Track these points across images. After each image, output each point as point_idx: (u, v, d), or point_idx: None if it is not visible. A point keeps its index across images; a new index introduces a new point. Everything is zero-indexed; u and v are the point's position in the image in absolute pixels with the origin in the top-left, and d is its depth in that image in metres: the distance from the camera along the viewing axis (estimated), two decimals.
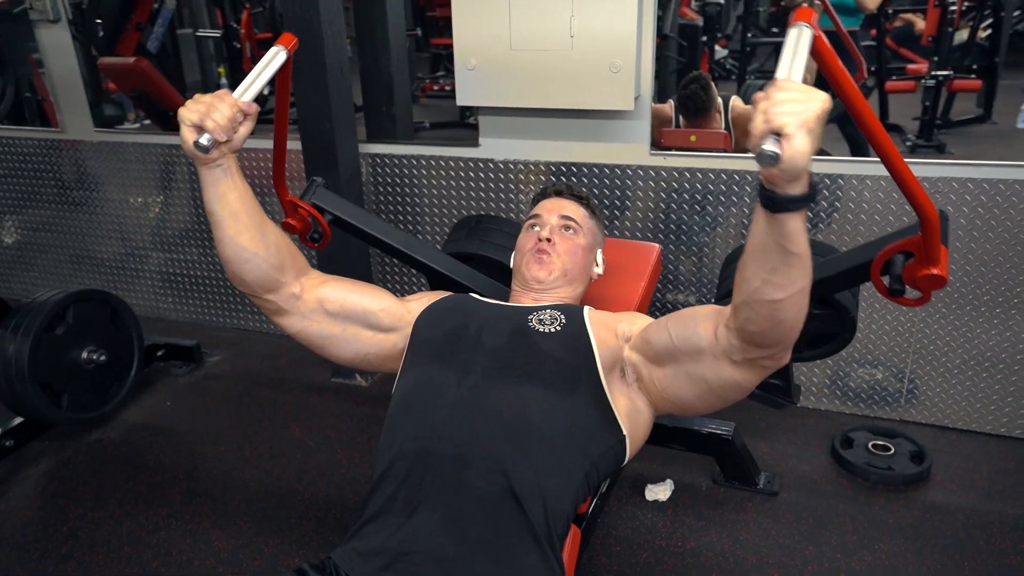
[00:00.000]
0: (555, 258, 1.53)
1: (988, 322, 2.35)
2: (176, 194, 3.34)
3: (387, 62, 2.90)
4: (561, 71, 2.35)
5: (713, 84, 3.28)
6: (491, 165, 2.71)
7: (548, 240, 1.54)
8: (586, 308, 1.41)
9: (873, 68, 6.29)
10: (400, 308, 1.49)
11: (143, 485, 2.37)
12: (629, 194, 2.57)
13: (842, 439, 2.39)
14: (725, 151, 3.05)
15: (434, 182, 2.82)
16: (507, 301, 1.57)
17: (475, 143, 2.70)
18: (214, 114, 1.17)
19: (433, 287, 2.24)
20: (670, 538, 2.07)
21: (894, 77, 6.00)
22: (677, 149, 2.79)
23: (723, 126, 3.39)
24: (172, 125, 3.58)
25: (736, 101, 3.45)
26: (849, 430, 2.44)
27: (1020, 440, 2.42)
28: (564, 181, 1.76)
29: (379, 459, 1.30)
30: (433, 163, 2.79)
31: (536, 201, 1.71)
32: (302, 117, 2.62)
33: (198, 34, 5.29)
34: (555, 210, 1.61)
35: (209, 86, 8.38)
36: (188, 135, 1.18)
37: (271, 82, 1.32)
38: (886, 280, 1.32)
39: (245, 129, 1.23)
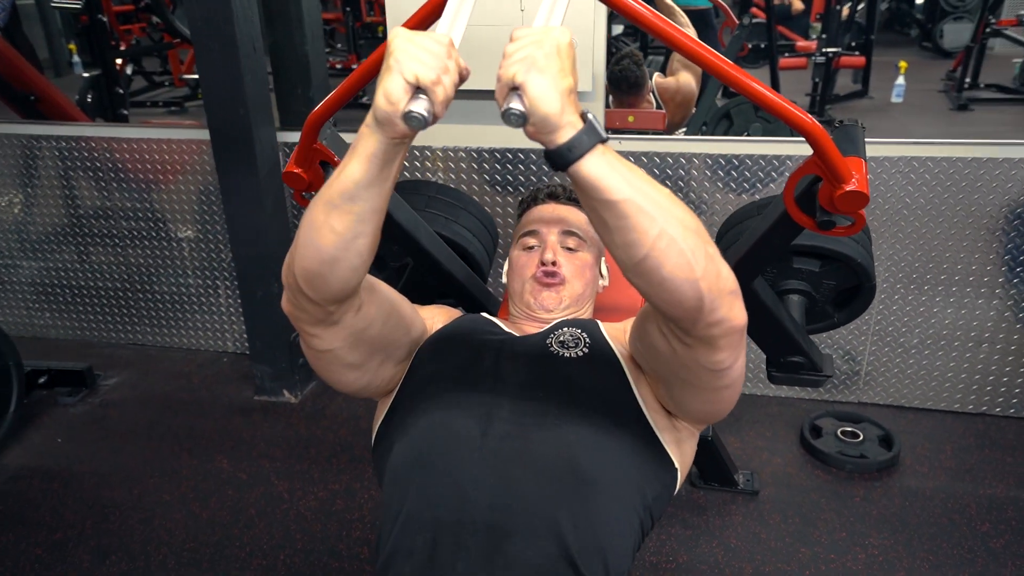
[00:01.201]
0: (563, 285, 1.34)
1: (944, 301, 2.35)
2: (43, 191, 2.87)
3: (301, 38, 2.56)
4: None
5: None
6: (428, 153, 2.45)
7: (553, 263, 1.34)
8: (600, 324, 1.22)
9: (763, 44, 6.40)
10: (423, 334, 1.24)
11: (41, 547, 2.00)
12: None
13: (810, 428, 2.34)
14: (663, 131, 2.95)
15: None
16: (497, 316, 1.36)
17: None
18: (446, 80, 0.81)
19: (414, 276, 1.95)
20: (660, 552, 1.94)
21: (787, 54, 6.14)
22: (614, 131, 2.66)
23: (655, 105, 3.29)
24: (32, 111, 3.09)
25: (659, 78, 3.36)
26: (815, 417, 2.39)
27: (976, 415, 2.45)
28: (557, 182, 1.55)
29: (386, 528, 1.06)
30: None
31: (526, 206, 1.49)
32: (210, 102, 2.27)
33: (53, 5, 4.65)
34: (553, 222, 1.40)
35: (60, 65, 7.57)
36: (403, 95, 0.79)
37: None
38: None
39: (450, 96, 0.84)
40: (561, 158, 0.80)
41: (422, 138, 2.40)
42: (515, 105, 0.77)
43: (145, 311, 2.97)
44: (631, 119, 2.91)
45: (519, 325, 1.33)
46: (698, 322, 0.87)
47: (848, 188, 1.12)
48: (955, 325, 2.37)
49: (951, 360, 2.41)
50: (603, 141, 0.80)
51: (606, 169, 0.80)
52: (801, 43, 6.16)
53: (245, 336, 2.91)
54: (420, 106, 0.79)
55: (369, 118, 0.84)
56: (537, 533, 0.98)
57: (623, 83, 3.11)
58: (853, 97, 6.22)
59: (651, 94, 3.21)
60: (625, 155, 2.27)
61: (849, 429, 2.33)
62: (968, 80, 6.11)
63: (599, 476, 1.03)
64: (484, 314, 1.34)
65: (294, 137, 2.51)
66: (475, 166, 2.44)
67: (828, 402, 2.54)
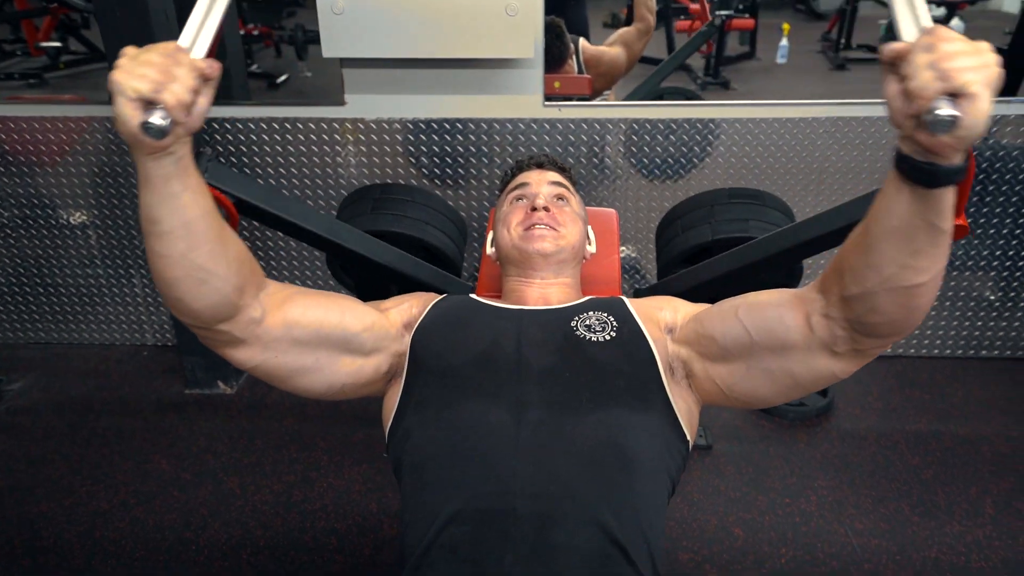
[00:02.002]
0: (558, 228, 1.31)
1: None
2: None
3: None
4: (449, 15, 2.05)
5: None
6: (361, 126, 2.35)
7: (545, 209, 1.31)
8: (627, 300, 1.21)
9: (659, 7, 6.53)
10: (383, 323, 1.19)
11: None
12: (523, 150, 2.36)
13: None
14: (588, 96, 2.95)
15: (291, 149, 2.40)
16: (485, 299, 1.32)
17: (339, 101, 2.32)
18: (172, 84, 0.81)
19: (360, 282, 1.91)
20: None
21: (682, 17, 6.29)
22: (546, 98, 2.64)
23: (576, 70, 3.28)
24: None
25: (584, 43, 3.34)
26: None
27: (894, 357, 2.64)
28: (544, 152, 1.52)
29: (417, 524, 1.02)
30: (289, 127, 2.36)
31: (512, 176, 1.46)
32: None
33: None
34: (542, 180, 1.38)
35: None
36: (132, 113, 0.81)
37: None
38: None
39: (205, 100, 0.87)
40: (946, 177, 0.78)
41: (357, 110, 2.30)
42: (952, 112, 0.72)
43: (47, 306, 2.72)
44: (557, 85, 2.89)
45: (515, 291, 1.31)
46: (881, 344, 0.97)
47: (956, 222, 1.14)
48: None
49: None
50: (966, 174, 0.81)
51: (953, 199, 0.81)
52: (694, 6, 6.32)
53: (167, 327, 2.72)
54: (154, 116, 0.81)
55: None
56: (582, 519, 0.97)
57: (547, 56, 3.08)
58: (743, 59, 6.46)
59: (574, 59, 3.20)
60: (561, 120, 2.28)
61: None
62: (843, 41, 6.47)
63: (636, 456, 1.03)
64: (472, 295, 1.31)
65: (214, 112, 2.32)
66: (411, 137, 2.36)
67: None
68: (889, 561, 1.83)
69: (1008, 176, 2.39)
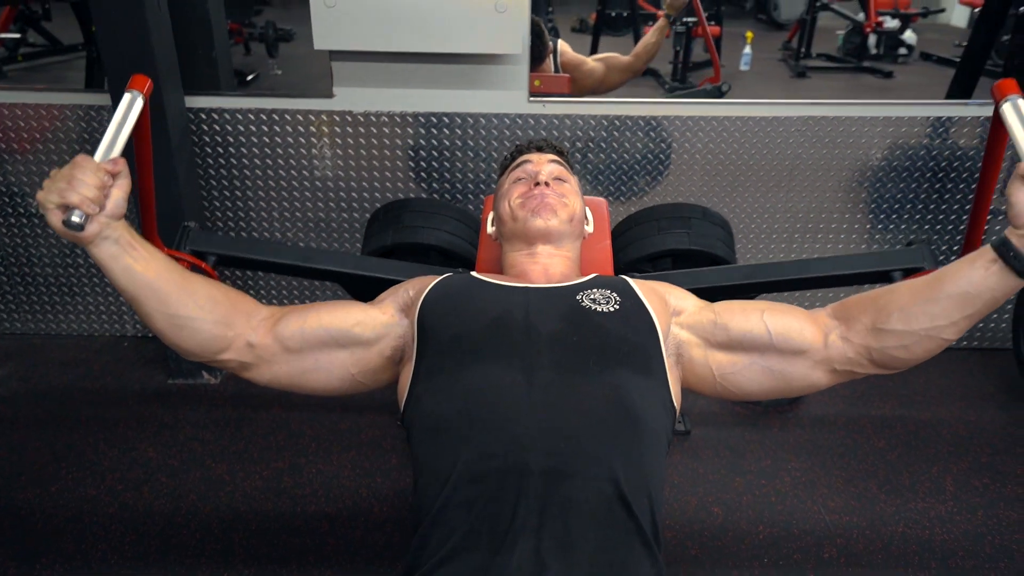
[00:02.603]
0: (559, 199, 1.37)
1: (834, 246, 2.61)
2: None
3: None
4: (440, 10, 2.11)
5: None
6: (349, 118, 2.39)
7: (547, 184, 1.38)
8: (631, 280, 1.28)
9: (626, 13, 6.67)
10: (375, 313, 1.27)
11: None
12: (508, 145, 2.42)
13: None
14: (568, 95, 3.02)
15: (278, 140, 2.42)
16: (488, 277, 1.38)
17: (328, 93, 2.35)
18: (77, 187, 1.03)
19: (357, 295, 1.96)
20: None
21: (650, 23, 6.42)
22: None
23: (553, 70, 3.35)
24: None
25: (564, 46, 3.42)
26: None
27: None
28: (543, 137, 1.58)
29: (432, 485, 1.06)
30: (277, 118, 2.39)
31: (512, 158, 1.51)
32: (112, 66, 2.08)
33: None
34: (542, 159, 1.45)
35: None
36: (55, 219, 1.03)
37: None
38: None
39: (120, 191, 1.08)
40: None
41: (345, 103, 2.34)
42: None
43: (24, 296, 2.69)
44: (537, 83, 2.96)
45: (519, 267, 1.36)
46: (881, 373, 1.17)
47: None
48: None
49: (821, 299, 2.69)
50: None
51: None
52: (661, 12, 6.45)
53: None
54: (72, 216, 1.02)
55: None
56: (592, 474, 1.03)
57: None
58: (707, 65, 6.62)
59: (551, 58, 3.27)
60: (546, 116, 2.35)
61: None
62: (803, 50, 6.68)
63: (640, 415, 1.09)
64: (473, 273, 1.36)
65: (201, 102, 2.36)
66: (398, 131, 2.41)
67: None
68: (859, 535, 1.93)
69: (965, 175, 2.52)
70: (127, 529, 1.91)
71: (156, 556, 1.83)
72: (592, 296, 1.22)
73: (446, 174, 2.48)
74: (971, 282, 1.04)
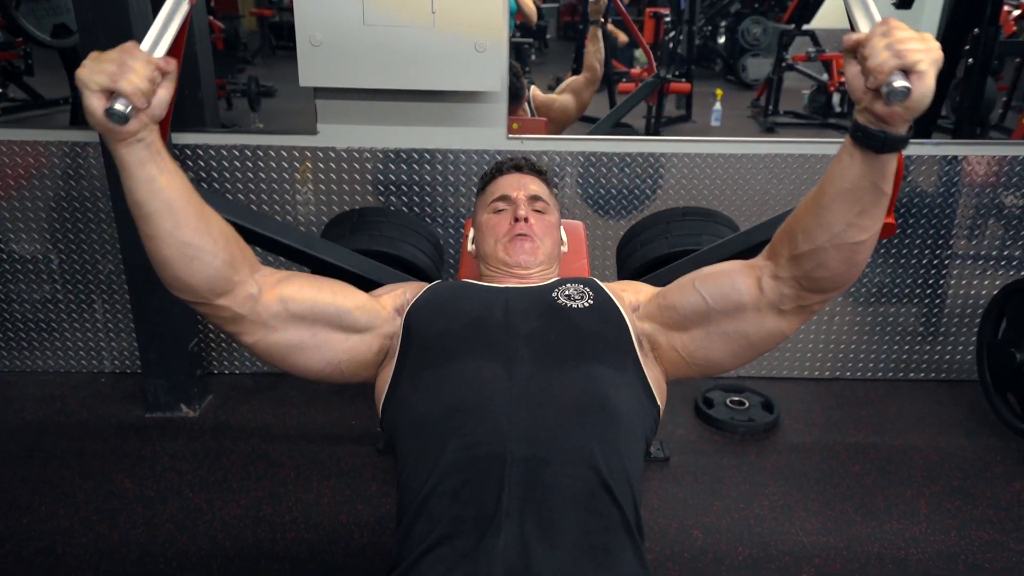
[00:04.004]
0: (537, 240, 1.43)
1: None
2: None
3: (190, 37, 2.47)
4: (421, 49, 2.20)
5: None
6: (332, 154, 2.45)
7: (526, 220, 1.43)
8: (598, 280, 1.33)
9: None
10: (374, 304, 1.29)
11: None
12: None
13: (703, 400, 2.58)
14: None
15: (262, 175, 2.48)
16: (473, 280, 1.43)
17: (311, 131, 2.42)
18: (128, 74, 0.92)
19: None
20: None
21: (625, 79, 6.66)
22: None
23: (529, 114, 3.47)
24: None
25: (535, 90, 3.56)
26: (705, 391, 2.63)
27: (833, 380, 2.82)
28: (522, 156, 1.63)
29: (416, 476, 1.09)
30: (262, 154, 2.45)
31: (491, 177, 1.57)
32: None
33: None
34: (520, 187, 1.49)
35: None
36: (97, 103, 0.92)
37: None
38: None
39: (165, 92, 0.98)
40: (893, 144, 0.93)
41: (329, 140, 2.41)
42: (905, 83, 0.86)
43: None
44: (516, 126, 3.06)
45: (499, 281, 1.41)
46: (826, 299, 1.12)
47: (885, 220, 1.29)
48: None
49: (811, 334, 2.76)
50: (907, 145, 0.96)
51: (895, 163, 0.97)
52: (635, 70, 6.70)
53: (125, 353, 2.71)
54: (117, 104, 0.91)
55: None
56: (572, 460, 1.06)
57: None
58: (679, 121, 6.85)
59: (527, 104, 3.40)
60: (524, 152, 2.43)
61: (736, 398, 2.59)
62: (771, 107, 6.94)
63: (616, 408, 1.13)
64: (463, 279, 1.41)
65: (188, 139, 2.42)
66: (380, 167, 2.48)
67: (713, 377, 2.80)
68: (837, 556, 1.95)
69: (926, 211, 2.64)
70: (102, 559, 1.87)
71: None
72: (567, 292, 1.27)
73: (427, 208, 2.54)
74: (844, 177, 0.99)
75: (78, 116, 3.47)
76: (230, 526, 1.99)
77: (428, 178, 2.50)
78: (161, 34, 1.02)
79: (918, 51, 0.86)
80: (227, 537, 1.96)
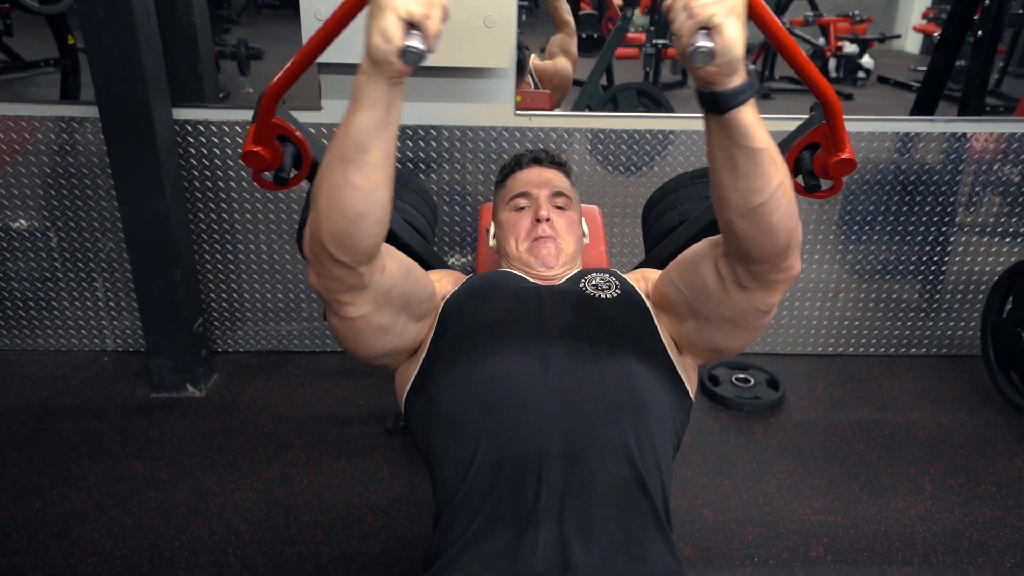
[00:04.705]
0: (560, 240, 1.40)
1: (809, 257, 2.70)
2: None
3: (187, 8, 2.40)
4: None
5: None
6: (336, 131, 2.40)
7: (548, 220, 1.41)
8: (618, 271, 1.32)
9: (596, 35, 6.81)
10: (435, 293, 1.26)
11: None
12: (494, 157, 2.46)
13: (709, 377, 2.59)
14: (548, 110, 3.08)
15: None
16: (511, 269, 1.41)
17: (316, 106, 2.37)
18: (434, 11, 0.83)
19: None
20: None
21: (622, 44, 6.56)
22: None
23: (532, 86, 3.42)
24: None
25: (534, 59, 3.50)
26: (711, 368, 2.65)
27: (835, 356, 2.84)
28: (541, 148, 1.60)
29: (452, 473, 1.09)
30: None
31: (510, 171, 1.54)
32: (102, 76, 2.08)
33: None
34: (542, 184, 1.47)
35: None
36: (397, 33, 0.82)
37: None
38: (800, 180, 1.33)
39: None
40: (728, 101, 0.86)
41: (333, 115, 2.36)
42: (706, 43, 0.80)
43: None
44: (519, 99, 3.01)
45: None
46: (776, 267, 1.01)
47: (843, 156, 1.24)
48: (817, 280, 2.73)
49: (815, 310, 2.77)
50: (756, 91, 0.88)
51: (755, 118, 0.89)
52: (631, 34, 6.60)
53: (128, 332, 2.68)
54: (415, 41, 0.81)
55: (365, 64, 0.87)
56: (608, 456, 1.06)
57: None
58: (675, 86, 6.78)
59: (530, 75, 3.34)
60: (531, 130, 2.39)
61: (741, 376, 2.60)
62: (766, 72, 6.88)
63: (649, 401, 1.13)
64: (501, 268, 1.40)
65: (188, 114, 2.36)
66: None
67: None
68: (844, 534, 1.98)
69: (932, 188, 2.63)
70: (117, 543, 1.87)
71: (147, 569, 1.81)
72: (594, 282, 1.26)
73: (433, 186, 2.50)
74: (712, 148, 0.94)
75: (68, 89, 3.38)
76: (243, 509, 2.00)
77: (435, 155, 2.46)
78: None
79: (711, 4, 0.81)
80: (241, 520, 1.96)
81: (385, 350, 1.19)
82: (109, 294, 2.63)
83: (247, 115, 2.38)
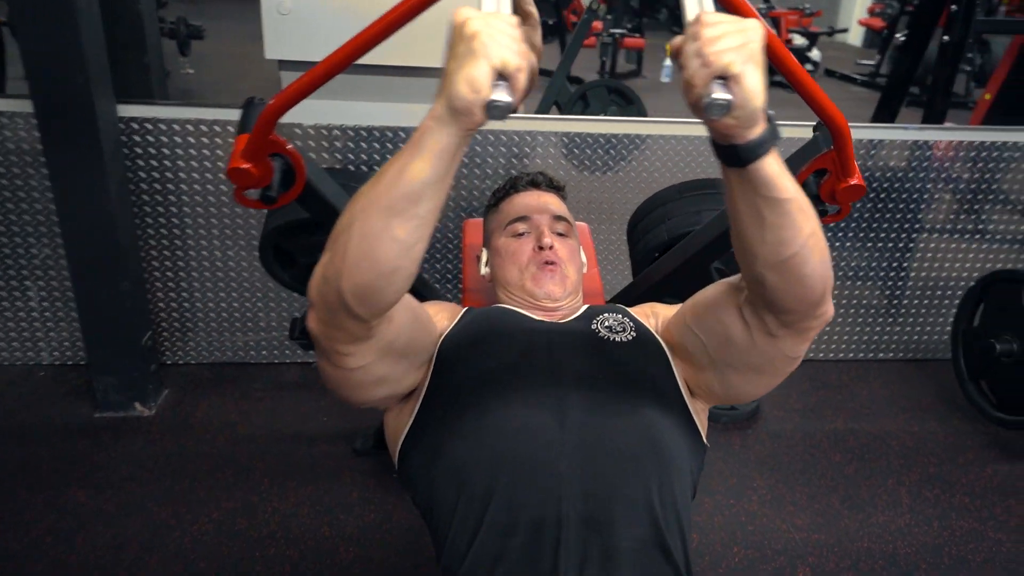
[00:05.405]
0: (565, 269, 1.31)
1: None
2: None
3: None
4: None
5: None
6: (298, 131, 2.25)
7: (551, 248, 1.31)
8: (627, 309, 1.23)
9: (552, 21, 6.71)
10: (434, 332, 1.15)
11: None
12: (465, 160, 2.35)
13: None
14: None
15: (219, 152, 2.25)
16: (513, 307, 1.30)
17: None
18: (523, 62, 0.76)
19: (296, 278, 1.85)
20: None
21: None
22: None
23: None
24: None
25: None
26: None
27: (805, 361, 2.81)
28: (539, 171, 1.49)
29: (460, 535, 0.99)
30: (219, 129, 2.22)
31: (505, 194, 1.44)
32: (35, 68, 1.88)
33: None
34: (542, 209, 1.37)
35: None
36: (486, 83, 0.73)
37: None
38: None
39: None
40: (749, 154, 0.77)
41: (295, 115, 2.20)
42: (723, 95, 0.72)
43: None
44: None
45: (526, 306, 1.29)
46: (809, 315, 0.93)
47: (853, 182, 1.19)
48: None
49: None
50: (779, 138, 0.80)
51: (779, 167, 0.80)
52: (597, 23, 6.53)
53: (66, 344, 2.48)
54: (503, 94, 0.74)
55: (439, 110, 0.77)
56: (631, 519, 0.98)
57: None
58: (630, 76, 6.74)
59: None
60: (506, 133, 2.28)
61: None
62: None
63: (671, 453, 1.05)
64: (500, 304, 1.29)
65: (134, 111, 2.16)
66: (351, 145, 2.29)
67: None
68: (829, 553, 1.96)
69: (894, 195, 2.62)
70: None
71: None
72: (607, 324, 1.17)
73: None
74: (734, 200, 0.85)
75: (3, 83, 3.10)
76: (202, 543, 1.85)
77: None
78: None
79: (727, 52, 0.72)
80: (200, 556, 1.82)
81: (380, 397, 1.09)
82: (45, 303, 2.42)
83: (201, 113, 2.21)
